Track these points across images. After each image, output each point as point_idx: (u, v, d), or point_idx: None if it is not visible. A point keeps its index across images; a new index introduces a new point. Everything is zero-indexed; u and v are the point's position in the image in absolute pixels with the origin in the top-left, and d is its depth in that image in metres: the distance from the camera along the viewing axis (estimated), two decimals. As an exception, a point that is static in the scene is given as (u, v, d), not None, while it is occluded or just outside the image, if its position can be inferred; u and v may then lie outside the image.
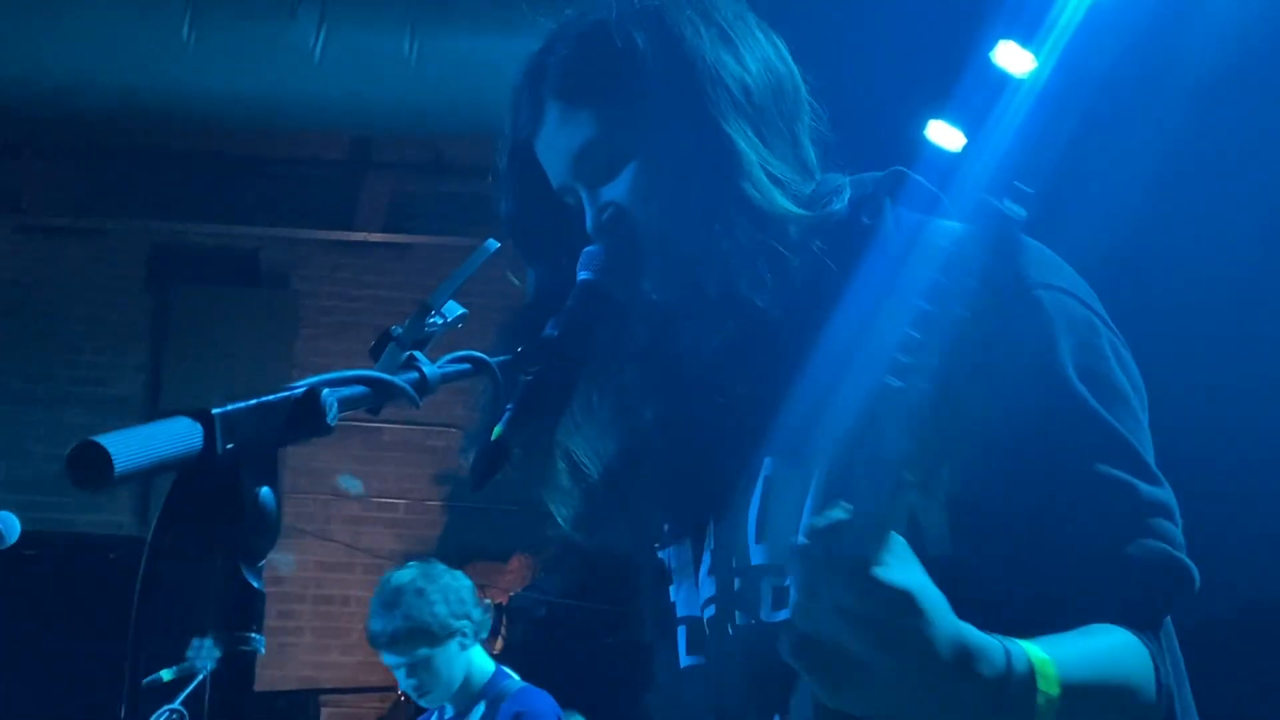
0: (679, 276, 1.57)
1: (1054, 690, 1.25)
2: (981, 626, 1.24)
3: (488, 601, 4.56)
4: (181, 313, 8.51)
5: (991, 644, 1.24)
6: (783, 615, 1.56)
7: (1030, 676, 1.24)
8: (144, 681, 1.07)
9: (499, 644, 7.69)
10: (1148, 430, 1.49)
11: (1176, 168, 4.60)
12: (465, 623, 4.28)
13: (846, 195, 1.59)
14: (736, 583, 1.61)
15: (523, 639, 7.90)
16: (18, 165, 8.18)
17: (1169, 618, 1.47)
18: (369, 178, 8.21)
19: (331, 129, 7.00)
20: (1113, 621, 1.38)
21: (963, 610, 1.22)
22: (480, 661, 4.37)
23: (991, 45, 5.17)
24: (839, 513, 1.15)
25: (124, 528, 8.27)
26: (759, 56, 1.63)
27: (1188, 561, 1.42)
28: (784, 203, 1.55)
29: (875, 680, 1.18)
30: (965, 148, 5.51)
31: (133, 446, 0.96)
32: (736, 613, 1.61)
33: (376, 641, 4.31)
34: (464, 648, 4.29)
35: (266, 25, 5.80)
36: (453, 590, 4.31)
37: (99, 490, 0.96)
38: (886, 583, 1.15)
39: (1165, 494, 1.45)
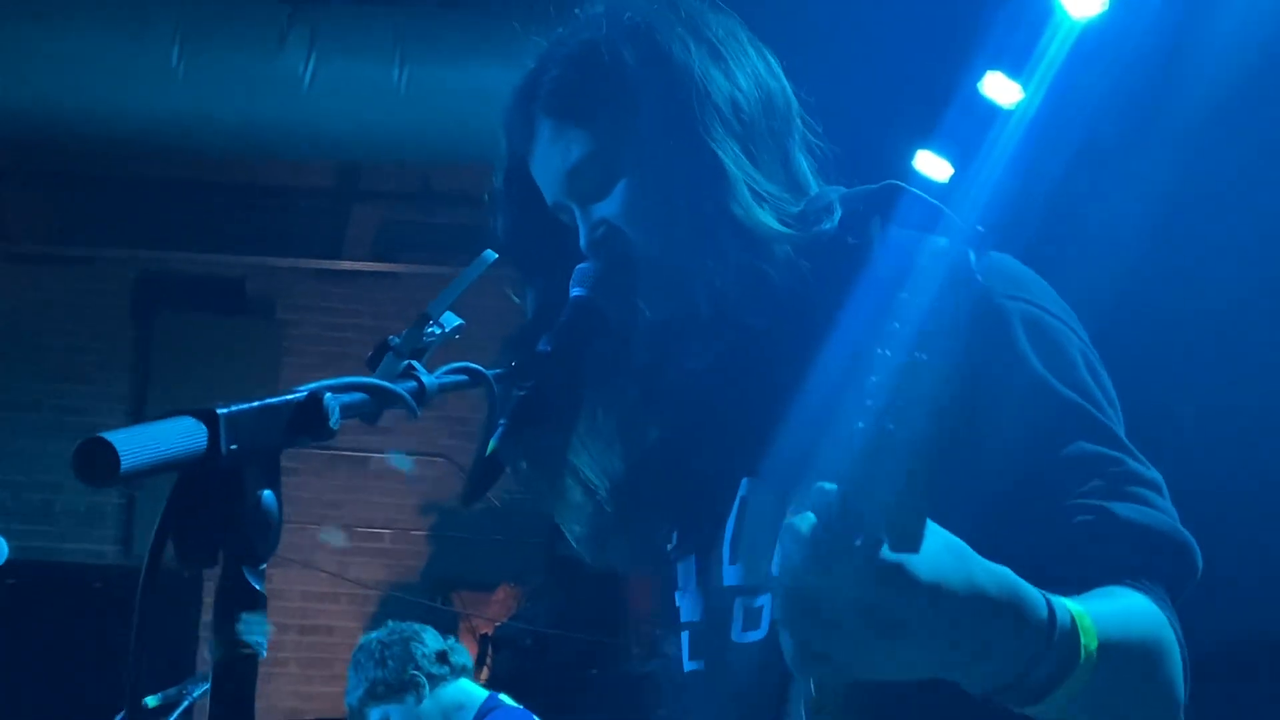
0: (670, 294, 1.57)
1: (1093, 644, 1.21)
2: None
3: (451, 639, 4.62)
4: (166, 341, 8.48)
5: (1033, 591, 1.19)
6: (753, 636, 1.56)
7: (1073, 627, 1.20)
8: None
9: (484, 674, 7.67)
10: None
11: (1176, 193, 4.62)
12: (419, 674, 4.37)
13: (836, 214, 1.59)
14: (714, 600, 1.63)
15: (509, 669, 7.87)
16: (2, 192, 8.17)
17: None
18: (357, 206, 8.22)
19: (320, 157, 7.00)
20: (1116, 584, 1.35)
21: None
22: (463, 698, 4.41)
23: (979, 76, 5.19)
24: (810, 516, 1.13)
25: (107, 556, 8.23)
26: (749, 72, 1.64)
27: (1186, 533, 1.41)
28: (768, 221, 1.56)
29: (910, 637, 1.12)
30: (952, 178, 5.54)
31: (139, 444, 0.95)
32: (717, 630, 1.62)
33: (350, 713, 4.44)
34: (420, 700, 4.37)
35: (256, 53, 5.81)
36: (401, 646, 4.41)
37: (104, 486, 0.95)
38: (894, 570, 1.09)
39: (1154, 473, 1.44)
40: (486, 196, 1.75)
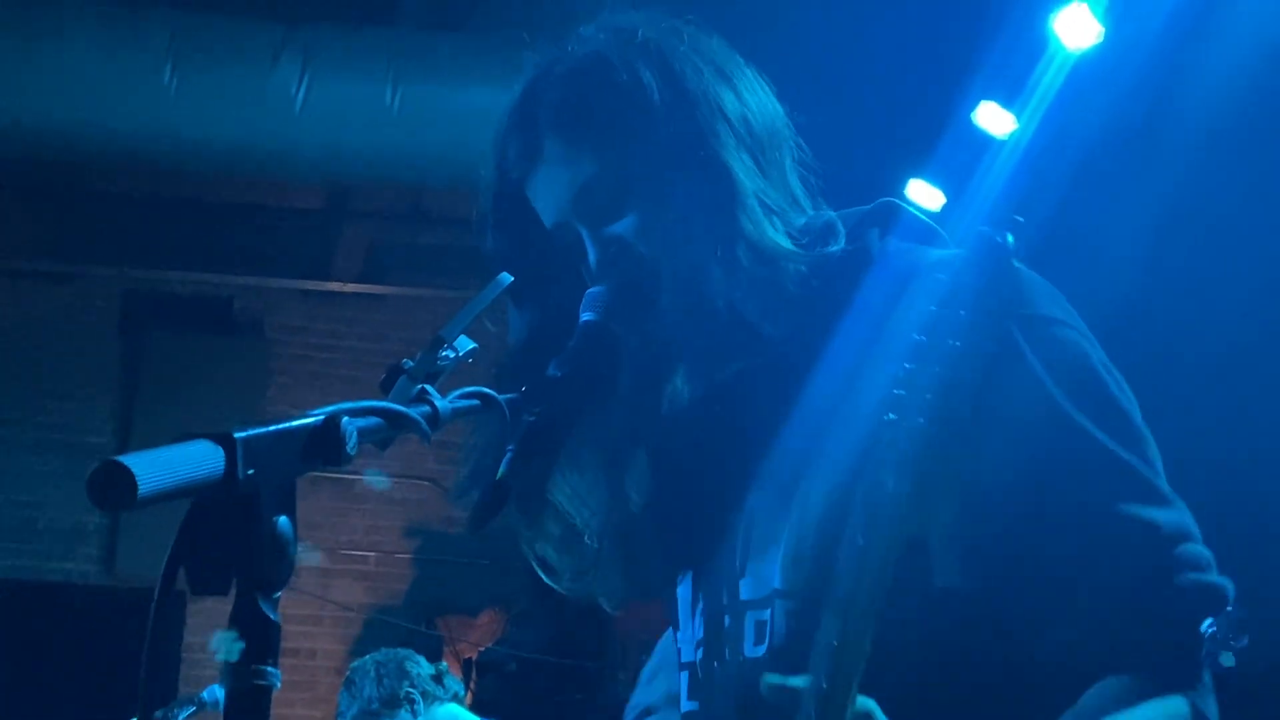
0: (687, 310, 1.56)
1: None
2: (1003, 669, 1.22)
3: (443, 664, 4.68)
4: (154, 360, 8.44)
5: None
6: (760, 651, 1.55)
7: None
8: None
9: (469, 699, 7.62)
10: (1151, 440, 1.49)
11: (1168, 223, 4.63)
12: (414, 691, 4.44)
13: (841, 235, 1.59)
14: (726, 620, 1.61)
15: (493, 694, 7.83)
16: (-8, 208, 8.15)
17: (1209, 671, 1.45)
18: (347, 227, 8.19)
19: (312, 178, 6.99)
20: (1146, 672, 1.36)
21: (983, 653, 1.21)
22: None
23: (973, 106, 5.20)
24: (798, 681, 1.15)
25: (90, 576, 8.18)
26: (753, 92, 1.64)
27: (1219, 581, 1.41)
28: (777, 237, 1.56)
29: None
30: (945, 207, 5.55)
31: (157, 468, 0.93)
32: (726, 650, 1.60)
33: None
34: (414, 715, 4.45)
35: (248, 72, 5.79)
36: (396, 665, 4.48)
37: (120, 510, 0.93)
38: None
39: (1180, 515, 1.44)
40: (474, 219, 1.72)
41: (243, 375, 8.43)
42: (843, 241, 1.58)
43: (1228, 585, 1.42)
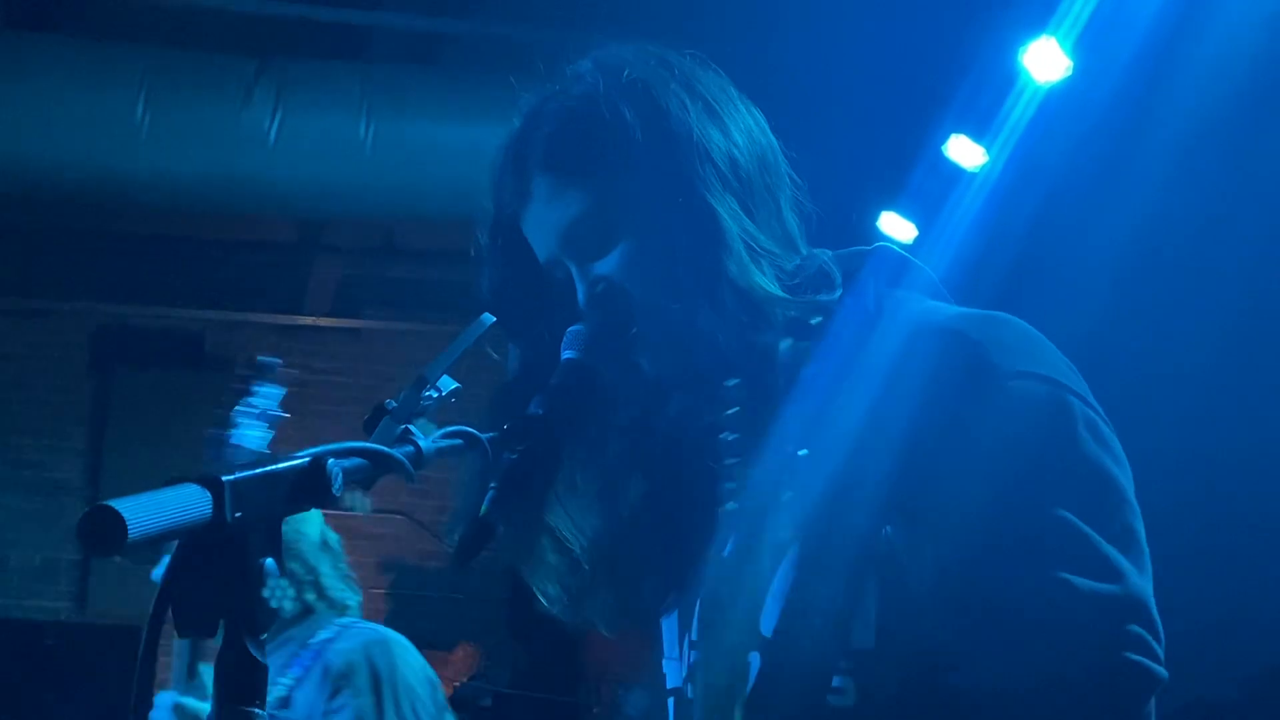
0: (671, 350, 1.57)
1: None
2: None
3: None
4: (123, 396, 8.42)
5: None
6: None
7: None
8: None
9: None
10: (1132, 508, 1.46)
11: (1136, 254, 4.67)
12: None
13: (837, 282, 1.59)
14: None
15: (468, 729, 7.81)
16: (-40, 245, 8.12)
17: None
18: (318, 261, 8.19)
19: (285, 212, 6.99)
20: None
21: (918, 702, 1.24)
22: None
23: (944, 139, 5.25)
24: None
25: (62, 614, 8.13)
26: (744, 129, 1.64)
27: (1154, 668, 1.38)
28: (763, 282, 1.55)
29: None
30: (916, 239, 5.58)
31: (146, 513, 0.94)
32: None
33: None
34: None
35: (221, 108, 5.79)
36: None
37: (109, 556, 0.93)
38: None
39: (1132, 589, 1.40)
40: (472, 252, 1.73)
41: (213, 411, 8.39)
42: (839, 290, 1.58)
43: (1163, 674, 1.39)
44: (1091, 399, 1.51)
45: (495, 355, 1.72)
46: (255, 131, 5.76)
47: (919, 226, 5.60)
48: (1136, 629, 1.39)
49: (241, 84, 5.78)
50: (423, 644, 8.60)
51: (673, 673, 1.70)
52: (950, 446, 1.42)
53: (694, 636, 1.65)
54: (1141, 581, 1.42)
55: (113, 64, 5.76)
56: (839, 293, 1.58)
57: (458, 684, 8.08)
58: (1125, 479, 1.47)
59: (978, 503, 1.41)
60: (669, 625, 1.72)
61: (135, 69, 5.73)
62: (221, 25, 6.41)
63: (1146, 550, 1.45)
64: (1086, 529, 1.40)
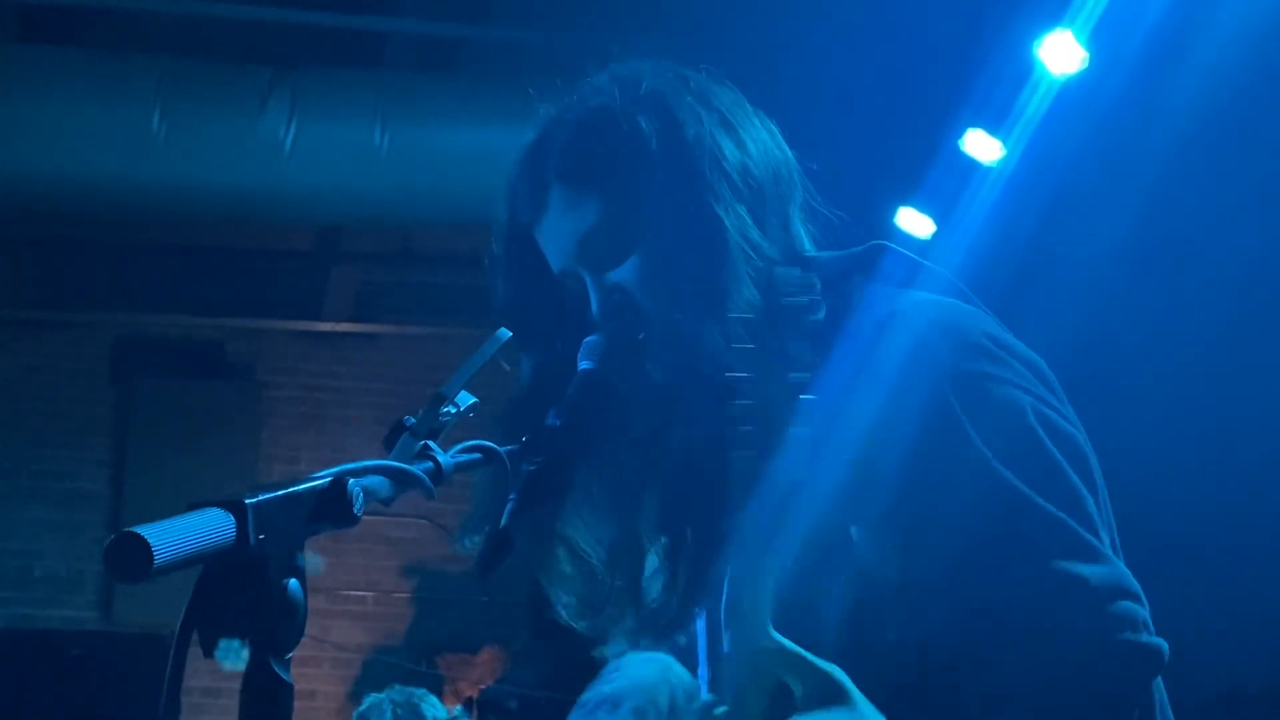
0: (681, 361, 1.57)
1: None
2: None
3: (459, 709, 4.70)
4: (145, 405, 8.44)
5: None
6: None
7: None
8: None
9: (471, 737, 7.60)
10: (1088, 495, 1.47)
11: (1148, 245, 4.66)
12: None
13: (840, 284, 1.60)
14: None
15: (495, 732, 7.82)
16: (-20, 256, 8.15)
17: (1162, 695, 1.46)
18: (336, 268, 8.20)
19: (301, 220, 7.00)
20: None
21: (920, 700, 1.23)
22: None
23: (960, 134, 5.23)
24: None
25: (87, 623, 8.16)
26: (758, 140, 1.65)
27: (1154, 642, 1.40)
28: (765, 291, 1.56)
29: None
30: (934, 234, 5.58)
31: (171, 539, 0.95)
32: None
33: None
34: None
35: (237, 117, 5.80)
36: (409, 709, 4.49)
37: (136, 582, 0.94)
38: None
39: (1115, 572, 1.42)
40: (486, 262, 1.74)
41: (235, 419, 8.43)
42: (841, 294, 1.58)
43: (1163, 645, 1.41)
44: (1046, 381, 1.52)
45: (507, 367, 1.72)
46: (271, 140, 5.78)
47: (936, 221, 5.60)
48: (1132, 605, 1.41)
49: (256, 93, 5.80)
50: (447, 648, 8.64)
51: (701, 680, 1.70)
52: (933, 451, 1.44)
53: (718, 643, 1.65)
54: (1118, 559, 1.44)
55: (128, 76, 5.78)
56: (842, 297, 1.58)
57: (483, 687, 8.09)
58: (1084, 472, 1.48)
59: (957, 503, 1.42)
60: (691, 635, 1.72)
61: (150, 80, 5.74)
62: (235, 35, 6.42)
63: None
64: (1062, 515, 1.42)
